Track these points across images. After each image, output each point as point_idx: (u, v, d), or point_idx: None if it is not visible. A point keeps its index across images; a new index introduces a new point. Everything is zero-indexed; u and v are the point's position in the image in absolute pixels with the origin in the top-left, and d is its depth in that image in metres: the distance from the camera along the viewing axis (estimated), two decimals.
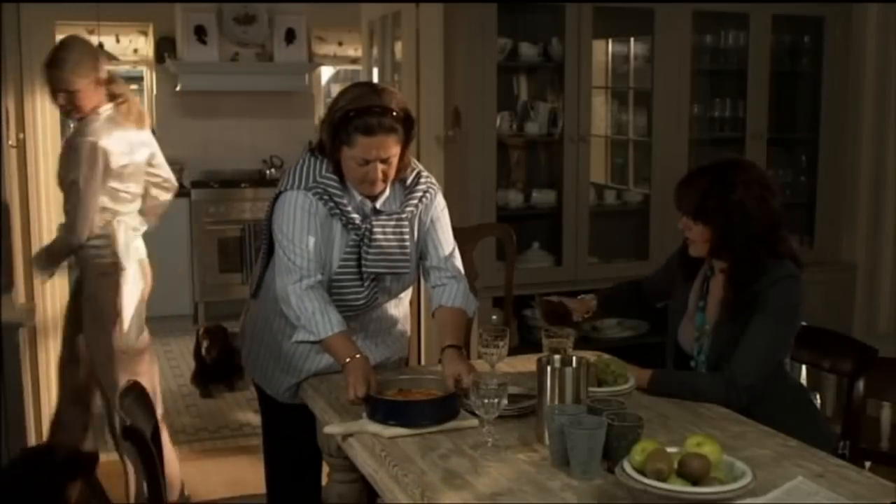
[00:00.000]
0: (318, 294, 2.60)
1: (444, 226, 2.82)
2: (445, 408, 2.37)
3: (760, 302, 2.55)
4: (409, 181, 2.73)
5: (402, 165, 2.67)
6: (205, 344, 5.37)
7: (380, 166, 2.57)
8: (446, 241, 2.83)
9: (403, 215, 2.69)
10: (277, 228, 2.64)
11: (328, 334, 2.57)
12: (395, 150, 2.59)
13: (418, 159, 4.61)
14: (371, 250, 2.65)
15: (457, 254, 2.86)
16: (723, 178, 2.59)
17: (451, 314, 2.78)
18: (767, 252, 2.59)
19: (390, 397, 2.41)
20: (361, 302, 2.72)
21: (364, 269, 2.66)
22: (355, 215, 2.63)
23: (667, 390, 2.57)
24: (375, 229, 2.65)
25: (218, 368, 5.40)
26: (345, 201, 2.62)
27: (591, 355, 2.78)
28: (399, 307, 2.88)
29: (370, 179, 2.59)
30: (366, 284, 2.69)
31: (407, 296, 2.90)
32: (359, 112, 2.53)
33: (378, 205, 2.66)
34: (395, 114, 2.55)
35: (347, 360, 2.52)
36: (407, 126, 2.60)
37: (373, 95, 2.57)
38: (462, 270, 2.86)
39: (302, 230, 2.60)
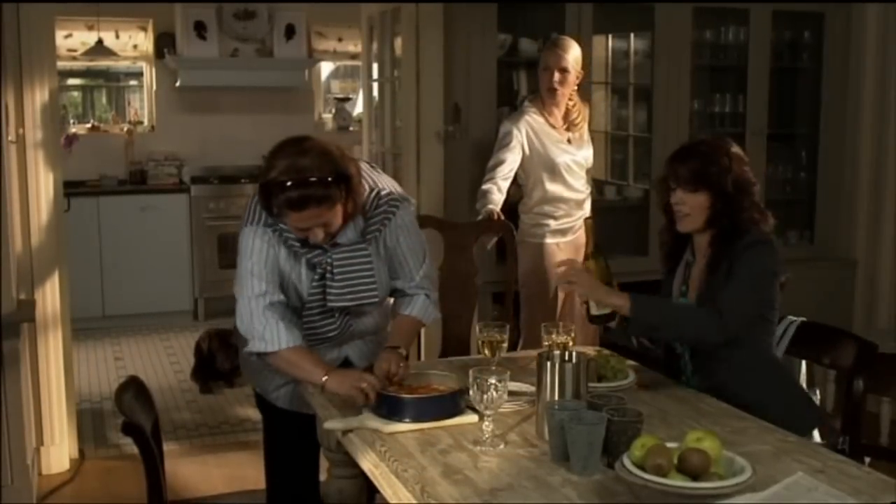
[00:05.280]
0: (280, 310, 2.56)
1: (412, 242, 2.74)
2: (449, 405, 2.36)
3: (736, 266, 2.58)
4: (367, 206, 2.63)
5: (353, 208, 2.56)
6: (220, 357, 5.33)
7: (319, 230, 2.52)
8: (415, 259, 2.75)
9: (364, 244, 2.64)
10: (239, 261, 2.60)
11: (289, 345, 2.51)
12: (331, 214, 2.50)
13: (417, 157, 4.68)
14: (335, 284, 2.60)
15: (427, 265, 2.79)
16: (716, 147, 2.68)
17: (406, 322, 2.78)
18: (756, 216, 2.66)
19: (393, 393, 2.40)
20: (335, 333, 2.70)
21: (329, 303, 2.62)
22: (313, 253, 2.58)
23: (649, 318, 2.56)
24: (336, 264, 2.59)
25: (223, 368, 5.40)
26: (298, 244, 2.57)
27: (590, 350, 2.78)
28: (382, 311, 2.84)
29: (312, 239, 2.54)
30: (336, 316, 2.67)
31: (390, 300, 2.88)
32: (282, 187, 2.43)
33: (336, 238, 2.59)
34: (328, 179, 2.44)
35: (325, 377, 2.46)
36: (342, 184, 2.48)
37: (298, 159, 2.44)
38: (434, 279, 2.83)
39: (260, 260, 2.56)
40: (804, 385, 3.37)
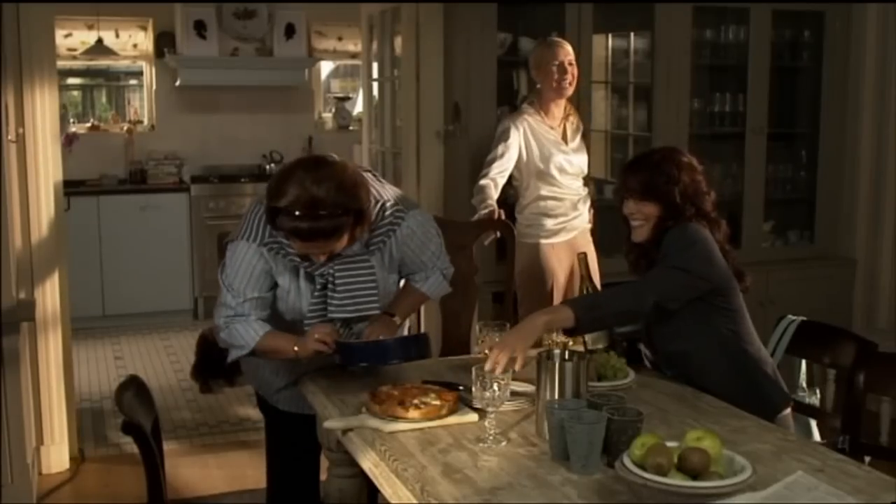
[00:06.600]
0: (242, 317, 2.59)
1: (423, 244, 2.75)
2: (412, 346, 2.57)
3: (663, 254, 2.67)
4: (372, 218, 2.60)
5: (360, 233, 2.54)
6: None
7: (322, 255, 2.52)
8: (430, 255, 2.78)
9: (366, 255, 2.63)
10: (222, 271, 2.60)
11: (259, 335, 2.56)
12: (338, 244, 2.49)
13: (417, 156, 4.68)
14: (336, 295, 2.59)
15: (441, 252, 2.81)
16: (667, 158, 2.75)
17: (413, 293, 2.84)
18: (703, 224, 2.72)
19: (346, 340, 2.58)
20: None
21: (330, 314, 2.62)
22: (314, 265, 2.57)
23: (593, 314, 2.56)
24: (337, 275, 2.59)
25: (222, 365, 5.38)
26: (298, 258, 2.56)
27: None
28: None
29: (314, 260, 2.55)
30: (337, 327, 2.67)
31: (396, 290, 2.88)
32: (292, 216, 2.40)
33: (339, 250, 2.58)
34: (339, 212, 2.41)
35: (295, 347, 2.55)
36: (353, 212, 2.45)
37: (313, 189, 2.38)
38: (447, 261, 2.86)
39: (245, 275, 2.56)
40: (804, 384, 3.38)
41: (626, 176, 2.78)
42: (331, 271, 2.58)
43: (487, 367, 2.24)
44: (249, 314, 2.59)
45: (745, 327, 2.72)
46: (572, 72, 4.12)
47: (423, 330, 4.49)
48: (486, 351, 2.57)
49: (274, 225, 2.48)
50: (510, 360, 2.31)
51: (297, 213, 2.39)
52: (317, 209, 2.38)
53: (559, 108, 4.18)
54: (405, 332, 3.02)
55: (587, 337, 2.63)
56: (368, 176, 2.68)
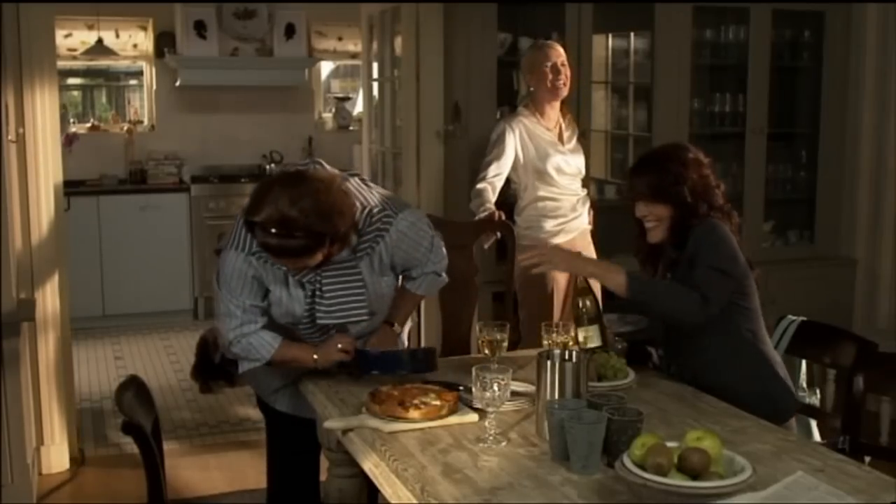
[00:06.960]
0: (251, 327, 2.63)
1: (415, 243, 2.74)
2: (421, 359, 2.63)
3: (693, 253, 2.64)
4: (359, 224, 2.60)
5: (338, 250, 2.55)
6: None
7: (296, 269, 2.54)
8: (423, 253, 2.77)
9: (354, 261, 2.63)
10: (217, 279, 2.63)
11: (274, 347, 2.61)
12: (310, 261, 2.49)
13: (417, 156, 4.68)
14: (324, 302, 2.60)
15: (434, 246, 2.81)
16: (672, 157, 2.72)
17: (409, 297, 2.85)
18: (718, 217, 2.71)
19: (361, 348, 2.64)
20: None
21: (319, 320, 2.63)
22: (301, 273, 2.58)
23: (643, 297, 2.59)
24: (325, 281, 2.60)
25: (222, 366, 5.38)
26: (285, 267, 2.57)
27: None
28: (383, 305, 2.85)
29: (295, 272, 2.57)
30: (330, 334, 2.68)
31: (391, 291, 2.87)
32: (265, 231, 2.41)
33: None
34: (311, 234, 2.41)
35: (315, 355, 2.60)
36: (328, 236, 2.45)
37: (286, 210, 2.38)
38: (443, 257, 2.85)
39: (238, 285, 2.59)
40: (804, 384, 3.38)
41: (632, 178, 2.75)
42: (318, 278, 2.59)
43: (521, 257, 2.33)
44: (256, 322, 2.62)
45: (761, 327, 2.73)
46: (566, 72, 4.13)
47: (422, 330, 4.51)
48: (487, 351, 2.58)
49: (253, 234, 2.50)
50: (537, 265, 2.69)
51: (271, 230, 2.40)
52: (289, 229, 2.40)
53: (554, 109, 4.19)
54: (405, 334, 3.01)
55: (581, 336, 2.62)
56: (355, 181, 2.67)
